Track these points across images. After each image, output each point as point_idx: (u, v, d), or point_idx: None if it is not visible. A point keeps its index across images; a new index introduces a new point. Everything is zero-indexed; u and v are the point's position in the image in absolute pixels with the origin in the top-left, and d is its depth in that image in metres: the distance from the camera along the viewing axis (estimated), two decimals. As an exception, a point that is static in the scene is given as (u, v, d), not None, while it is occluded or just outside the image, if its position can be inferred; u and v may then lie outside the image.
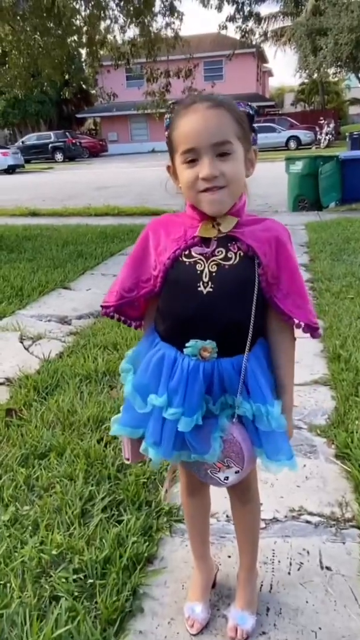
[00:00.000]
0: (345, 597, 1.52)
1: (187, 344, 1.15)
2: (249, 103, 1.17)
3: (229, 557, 1.66)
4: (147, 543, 1.68)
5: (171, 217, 1.24)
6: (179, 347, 1.17)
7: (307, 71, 31.56)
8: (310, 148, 25.71)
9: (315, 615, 1.47)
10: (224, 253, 1.13)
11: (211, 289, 1.13)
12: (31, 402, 2.63)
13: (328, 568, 1.62)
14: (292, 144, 27.53)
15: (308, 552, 1.68)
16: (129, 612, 1.47)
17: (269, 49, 34.93)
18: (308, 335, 1.22)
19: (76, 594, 1.51)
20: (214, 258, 1.13)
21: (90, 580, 1.55)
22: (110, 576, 1.55)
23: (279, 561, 1.65)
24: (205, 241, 1.15)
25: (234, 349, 1.15)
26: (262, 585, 1.56)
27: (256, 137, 1.18)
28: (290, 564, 1.64)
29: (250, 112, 1.15)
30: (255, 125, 1.17)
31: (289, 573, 1.61)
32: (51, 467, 2.09)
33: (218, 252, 1.14)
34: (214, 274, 1.13)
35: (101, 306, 1.29)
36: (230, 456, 1.16)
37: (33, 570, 1.59)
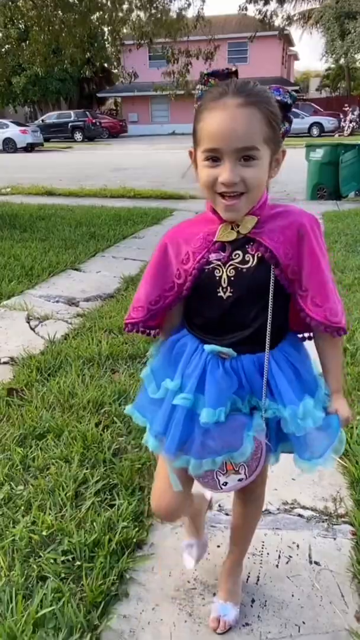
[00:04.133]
0: (332, 593, 1.51)
1: (205, 346, 1.15)
2: (289, 90, 1.10)
3: (218, 547, 1.66)
4: (137, 529, 1.69)
5: (187, 224, 1.21)
6: (202, 340, 1.18)
7: (333, 56, 30.93)
8: (333, 135, 25.23)
9: (300, 609, 1.46)
10: (241, 256, 1.11)
11: (231, 294, 1.12)
12: (33, 382, 2.65)
13: (317, 563, 1.61)
14: (315, 131, 26.96)
15: (298, 546, 1.67)
16: (114, 596, 1.49)
17: (295, 31, 34.20)
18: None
19: (63, 575, 1.52)
20: (231, 262, 1.11)
21: (78, 563, 1.56)
22: (98, 559, 1.56)
23: (268, 553, 1.65)
24: (221, 245, 1.12)
25: (258, 347, 1.14)
26: (248, 576, 1.56)
27: (289, 128, 1.10)
28: (279, 557, 1.64)
29: (289, 101, 1.08)
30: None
31: (277, 566, 1.60)
32: (48, 448, 2.10)
33: (235, 255, 1.11)
34: (232, 278, 1.11)
35: (127, 323, 1.25)
36: (247, 461, 1.14)
37: (22, 550, 1.61)
